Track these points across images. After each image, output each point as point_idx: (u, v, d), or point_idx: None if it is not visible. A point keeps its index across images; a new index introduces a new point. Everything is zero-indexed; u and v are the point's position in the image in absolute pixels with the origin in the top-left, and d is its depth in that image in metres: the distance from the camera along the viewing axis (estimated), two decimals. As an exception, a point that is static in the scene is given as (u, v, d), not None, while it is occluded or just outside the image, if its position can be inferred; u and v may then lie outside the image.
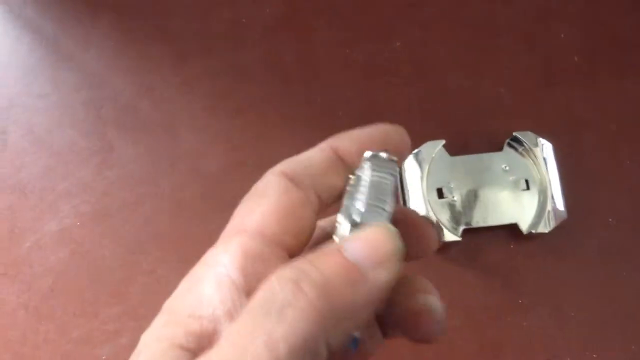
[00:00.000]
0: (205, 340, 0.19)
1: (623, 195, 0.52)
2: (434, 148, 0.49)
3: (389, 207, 0.22)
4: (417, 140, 0.50)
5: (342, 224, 0.22)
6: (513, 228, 0.49)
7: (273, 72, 0.54)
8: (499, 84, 0.53)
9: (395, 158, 0.23)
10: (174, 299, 0.21)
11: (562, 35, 0.55)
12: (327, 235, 0.23)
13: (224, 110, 0.53)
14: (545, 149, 0.50)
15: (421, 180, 0.49)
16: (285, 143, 0.52)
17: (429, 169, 0.49)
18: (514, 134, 0.50)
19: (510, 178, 0.50)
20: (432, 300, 0.24)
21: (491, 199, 0.49)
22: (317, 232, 0.24)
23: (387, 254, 0.20)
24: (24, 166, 0.50)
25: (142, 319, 0.47)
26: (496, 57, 0.55)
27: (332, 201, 0.24)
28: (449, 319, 0.48)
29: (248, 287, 0.20)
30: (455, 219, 0.49)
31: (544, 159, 0.50)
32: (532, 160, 0.50)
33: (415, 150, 0.49)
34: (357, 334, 0.20)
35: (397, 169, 0.22)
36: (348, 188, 0.23)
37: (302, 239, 0.22)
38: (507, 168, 0.50)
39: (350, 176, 0.23)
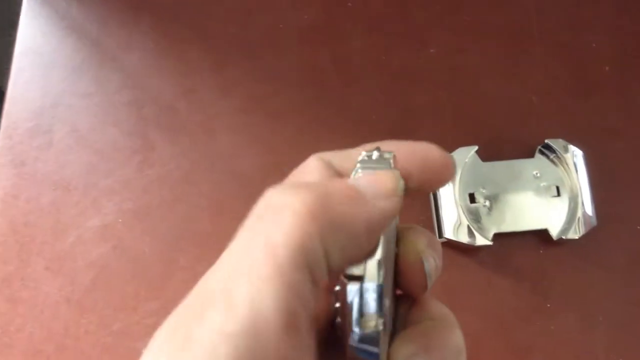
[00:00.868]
0: None
1: (652, 203, 0.52)
2: (467, 154, 0.50)
3: None
4: (450, 145, 0.51)
5: None
6: (543, 233, 0.50)
7: (309, 76, 0.55)
8: (531, 92, 0.54)
9: (389, 154, 0.23)
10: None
11: (594, 45, 0.56)
12: None
13: (260, 113, 0.54)
14: (576, 156, 0.51)
15: (453, 185, 0.50)
16: (320, 147, 0.52)
17: (461, 174, 0.50)
18: (545, 141, 0.51)
19: (541, 184, 0.51)
20: (426, 253, 0.23)
21: (522, 205, 0.50)
22: None
23: (387, 187, 0.21)
24: (68, 163, 0.52)
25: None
26: (528, 65, 0.55)
27: None
28: (477, 321, 0.49)
29: None
30: (487, 223, 0.50)
31: (575, 166, 0.51)
32: (563, 167, 0.51)
33: (448, 156, 0.50)
34: (377, 349, 0.20)
35: (391, 164, 0.22)
36: None
37: None
38: (538, 174, 0.51)
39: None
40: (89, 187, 0.51)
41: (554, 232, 0.49)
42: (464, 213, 0.49)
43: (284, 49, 0.56)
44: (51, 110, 0.53)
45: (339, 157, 0.24)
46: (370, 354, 0.19)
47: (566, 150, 0.51)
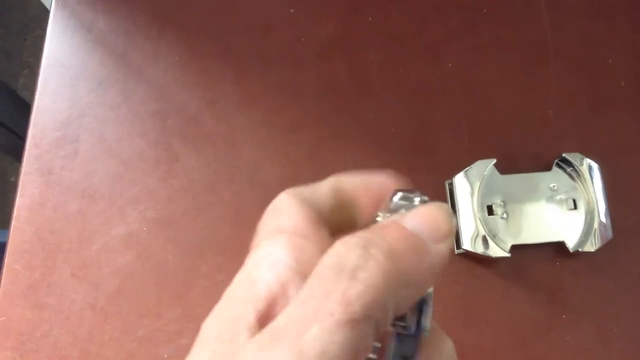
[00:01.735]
0: (269, 315, 0.20)
1: (667, 217, 0.53)
2: (486, 166, 0.51)
3: None
4: (467, 158, 0.52)
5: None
6: (559, 246, 0.51)
7: (328, 89, 0.56)
8: (547, 107, 0.55)
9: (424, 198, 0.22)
10: (233, 287, 0.22)
11: (610, 60, 0.57)
12: None
13: (281, 125, 0.55)
14: (593, 170, 0.51)
15: (471, 197, 0.51)
16: (339, 159, 0.54)
17: (479, 186, 0.51)
18: (562, 154, 0.52)
19: (558, 197, 0.51)
20: None
21: (539, 217, 0.51)
22: None
23: (446, 229, 0.21)
24: (94, 172, 0.53)
25: (201, 321, 0.49)
26: (545, 80, 0.56)
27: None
28: (494, 331, 0.50)
29: (301, 270, 0.20)
30: (504, 235, 0.50)
31: (591, 179, 0.51)
32: (580, 180, 0.52)
33: (466, 169, 0.51)
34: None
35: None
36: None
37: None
38: (556, 187, 0.52)
39: (380, 214, 0.23)
40: (114, 196, 0.53)
41: (571, 245, 0.50)
42: (482, 224, 0.50)
43: (304, 63, 0.57)
44: (78, 121, 0.55)
45: (310, 192, 0.24)
46: None
47: (582, 163, 0.52)
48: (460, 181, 0.51)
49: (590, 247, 0.50)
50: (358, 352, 0.18)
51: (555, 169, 0.52)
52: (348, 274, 0.18)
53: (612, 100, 0.56)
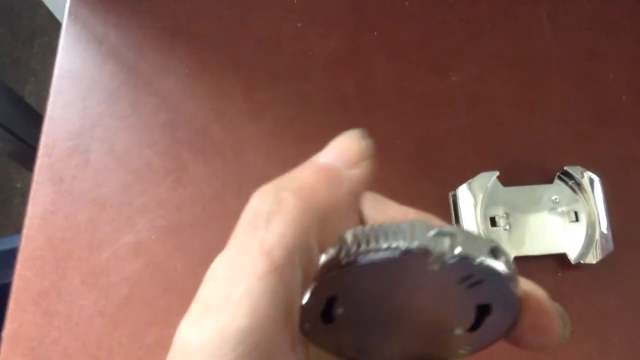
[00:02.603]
0: None
1: (668, 229, 0.54)
2: (489, 178, 0.52)
3: None
4: (471, 170, 0.53)
5: None
6: (561, 257, 0.52)
7: (335, 102, 0.58)
8: (549, 120, 0.56)
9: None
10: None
11: (611, 76, 0.58)
12: None
13: (288, 137, 0.56)
14: (594, 183, 0.52)
15: (475, 209, 0.52)
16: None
17: (483, 198, 0.52)
18: (564, 167, 0.53)
19: (560, 210, 0.52)
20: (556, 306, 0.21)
21: (541, 229, 0.52)
22: None
23: (356, 154, 0.21)
24: (104, 182, 0.54)
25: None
26: (547, 94, 0.58)
27: None
28: (496, 343, 0.50)
29: None
30: (507, 246, 0.51)
31: (593, 192, 0.52)
32: (581, 193, 0.53)
33: (470, 180, 0.52)
34: None
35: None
36: None
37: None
38: (557, 200, 0.53)
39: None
40: (124, 205, 0.54)
41: (572, 257, 0.51)
42: (484, 236, 0.51)
43: (311, 76, 0.58)
44: (89, 131, 0.56)
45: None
46: None
47: (584, 176, 0.53)
48: (463, 193, 0.52)
49: (592, 258, 0.51)
50: (289, 297, 0.18)
51: (557, 181, 0.53)
52: (264, 223, 0.18)
53: (613, 114, 0.57)
